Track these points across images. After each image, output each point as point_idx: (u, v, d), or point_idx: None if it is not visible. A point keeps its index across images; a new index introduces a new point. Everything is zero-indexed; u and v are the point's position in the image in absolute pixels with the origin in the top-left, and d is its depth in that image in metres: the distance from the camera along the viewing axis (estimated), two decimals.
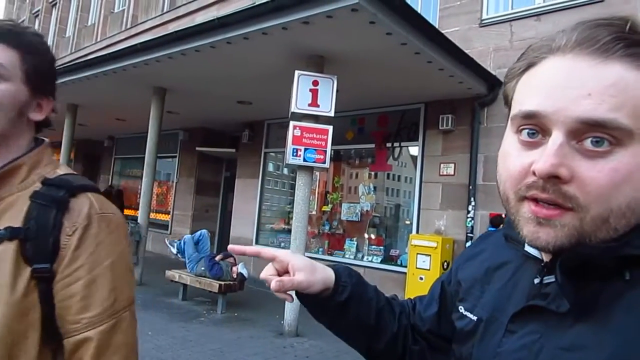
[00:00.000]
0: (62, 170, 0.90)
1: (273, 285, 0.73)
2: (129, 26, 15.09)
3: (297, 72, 5.38)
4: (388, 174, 7.93)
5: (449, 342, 0.76)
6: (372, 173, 8.12)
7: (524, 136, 0.55)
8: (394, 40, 4.91)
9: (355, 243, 7.98)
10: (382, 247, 7.67)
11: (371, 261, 7.54)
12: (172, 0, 13.51)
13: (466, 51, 5.92)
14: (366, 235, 7.93)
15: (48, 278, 0.80)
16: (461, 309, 0.71)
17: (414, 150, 7.46)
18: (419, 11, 5.74)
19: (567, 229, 0.52)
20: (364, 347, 0.82)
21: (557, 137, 0.51)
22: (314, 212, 8.62)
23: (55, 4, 20.72)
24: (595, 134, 0.50)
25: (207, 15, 10.84)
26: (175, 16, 12.86)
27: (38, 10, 22.17)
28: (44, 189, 0.83)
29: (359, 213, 8.08)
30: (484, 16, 6.87)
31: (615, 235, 0.52)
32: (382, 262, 7.48)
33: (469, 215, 6.50)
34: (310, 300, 0.78)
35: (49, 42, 17.89)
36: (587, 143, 0.50)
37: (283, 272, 0.77)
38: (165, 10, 13.58)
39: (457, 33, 6.82)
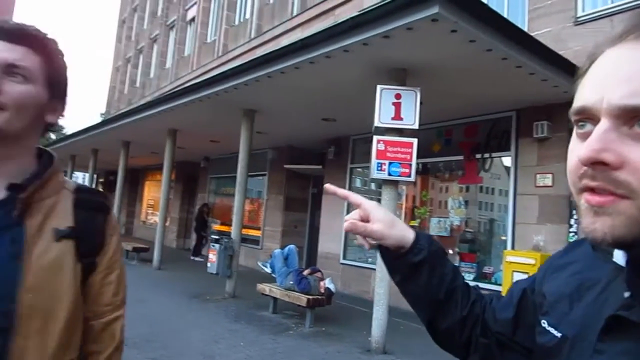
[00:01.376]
0: (62, 176, 1.00)
1: (346, 224, 0.81)
2: (220, 54, 16.16)
3: (379, 87, 5.38)
4: (480, 187, 7.57)
5: (523, 347, 0.73)
6: (462, 186, 7.82)
7: (579, 129, 0.54)
8: (478, 47, 4.74)
9: None
10: (474, 264, 7.32)
11: None
12: (259, 27, 14.25)
13: (560, 52, 5.54)
14: (457, 251, 7.62)
15: (90, 270, 0.95)
16: (544, 324, 0.67)
17: (507, 160, 7.07)
18: (505, 14, 5.51)
19: (623, 217, 0.49)
20: (427, 319, 0.83)
21: (602, 124, 0.50)
22: None
23: (156, 39, 22.83)
24: None
25: (291, 37, 11.27)
26: (262, 41, 13.54)
27: (142, 47, 24.60)
28: (83, 195, 0.98)
29: (449, 228, 7.80)
30: (579, 13, 6.40)
31: None
32: (474, 279, 7.12)
33: (571, 230, 5.99)
34: (387, 254, 0.83)
35: (152, 74, 19.69)
36: (637, 127, 0.48)
37: (365, 220, 0.82)
38: (252, 37, 14.36)
39: (549, 34, 6.42)
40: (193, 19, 19.37)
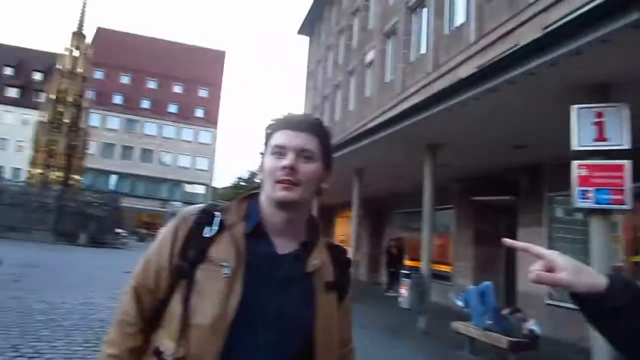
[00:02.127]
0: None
1: (531, 276, 0.81)
2: (399, 92, 16.60)
3: (574, 107, 4.88)
4: None
5: None
6: None
7: None
8: None
9: None
10: None
11: None
12: (436, 59, 14.28)
13: None
14: None
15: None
16: None
17: None
18: None
19: None
20: None
21: None
22: (621, 264, 7.28)
23: (339, 85, 24.72)
24: None
25: (469, 66, 11.02)
26: (439, 74, 13.51)
27: (328, 94, 26.92)
28: (336, 253, 1.17)
29: None
30: None
31: None
32: None
33: None
34: (578, 300, 0.81)
35: (337, 117, 21.40)
36: None
37: (549, 270, 0.81)
38: (429, 71, 14.44)
39: None
40: (371, 62, 20.44)
